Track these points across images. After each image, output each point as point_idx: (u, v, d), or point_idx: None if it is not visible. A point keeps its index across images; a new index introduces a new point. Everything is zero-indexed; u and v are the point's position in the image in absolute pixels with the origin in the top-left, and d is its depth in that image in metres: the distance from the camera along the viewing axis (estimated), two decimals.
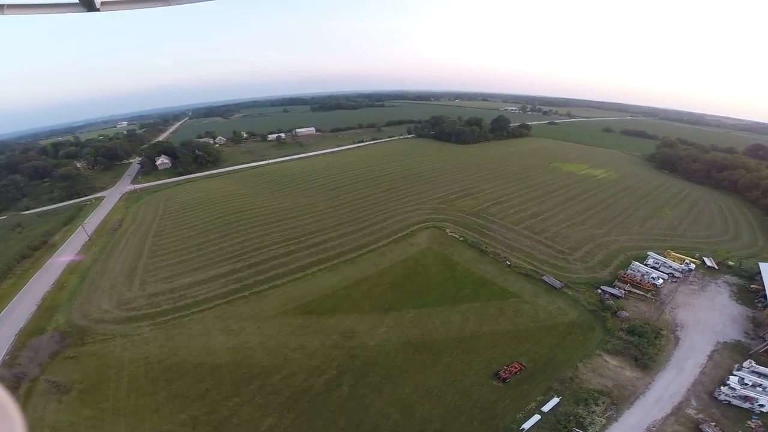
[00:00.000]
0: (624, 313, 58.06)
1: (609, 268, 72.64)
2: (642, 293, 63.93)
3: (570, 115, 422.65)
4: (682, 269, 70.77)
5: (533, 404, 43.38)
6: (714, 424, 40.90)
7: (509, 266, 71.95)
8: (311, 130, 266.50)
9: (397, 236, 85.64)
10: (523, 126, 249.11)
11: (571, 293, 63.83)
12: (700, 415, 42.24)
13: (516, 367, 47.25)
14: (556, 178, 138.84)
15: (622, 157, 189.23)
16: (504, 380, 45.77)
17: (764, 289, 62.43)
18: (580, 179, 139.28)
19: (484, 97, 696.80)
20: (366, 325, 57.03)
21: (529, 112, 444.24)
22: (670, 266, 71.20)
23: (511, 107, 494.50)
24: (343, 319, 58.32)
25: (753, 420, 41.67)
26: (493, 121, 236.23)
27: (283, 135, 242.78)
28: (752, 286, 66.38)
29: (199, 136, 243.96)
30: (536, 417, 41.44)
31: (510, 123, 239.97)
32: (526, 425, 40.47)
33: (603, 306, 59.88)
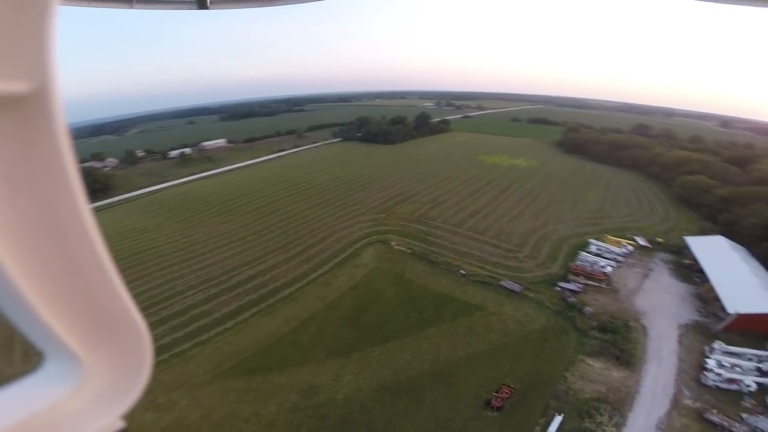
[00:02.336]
0: (588, 309, 55.83)
1: (558, 262, 71.26)
2: (596, 284, 62.83)
3: (480, 108, 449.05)
4: (623, 252, 72.26)
5: (537, 429, 39.11)
6: (716, 411, 39.75)
7: (464, 275, 66.36)
8: (221, 142, 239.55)
9: (339, 258, 74.95)
10: (443, 121, 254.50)
11: (532, 296, 60.19)
12: (698, 404, 41.00)
13: (506, 392, 42.57)
14: (484, 171, 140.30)
15: (535, 145, 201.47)
16: (498, 409, 41.00)
17: (697, 264, 65.68)
18: (506, 170, 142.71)
19: (402, 95, 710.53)
20: (327, 375, 46.59)
21: (444, 107, 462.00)
22: (612, 251, 72.27)
23: (428, 103, 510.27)
24: (297, 374, 47.00)
25: (745, 400, 41.45)
26: (416, 119, 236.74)
27: (188, 150, 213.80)
28: (685, 261, 69.79)
29: (84, 160, 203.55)
30: None
31: (431, 119, 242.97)
32: None
33: (567, 305, 57.13)
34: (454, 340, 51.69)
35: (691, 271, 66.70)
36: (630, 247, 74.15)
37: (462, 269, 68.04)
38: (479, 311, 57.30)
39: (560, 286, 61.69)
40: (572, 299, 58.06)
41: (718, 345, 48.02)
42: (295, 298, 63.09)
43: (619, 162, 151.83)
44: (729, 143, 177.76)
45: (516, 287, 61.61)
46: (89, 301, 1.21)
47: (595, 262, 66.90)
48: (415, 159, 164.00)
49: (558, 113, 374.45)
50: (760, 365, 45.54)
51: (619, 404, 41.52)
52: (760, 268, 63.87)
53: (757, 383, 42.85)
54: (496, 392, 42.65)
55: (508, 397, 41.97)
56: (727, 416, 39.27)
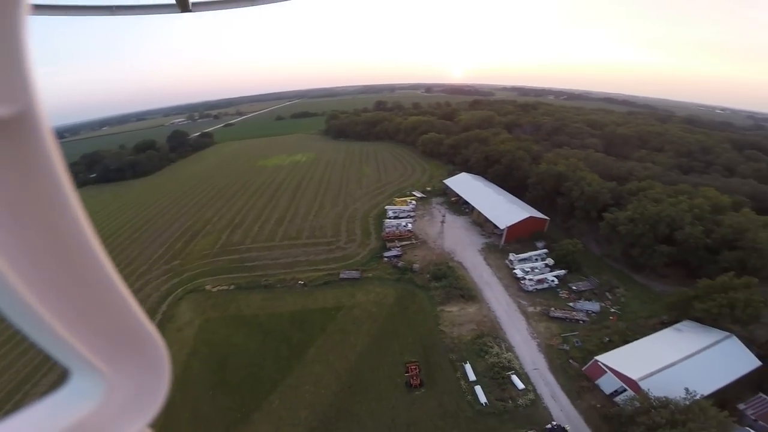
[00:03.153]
0: (416, 266, 62.87)
1: (372, 235, 76.96)
2: (408, 242, 71.49)
3: (240, 113, 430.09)
4: (411, 208, 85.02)
5: (462, 383, 42.21)
6: (553, 308, 52.49)
7: (304, 285, 62.30)
8: None
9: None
10: (205, 135, 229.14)
11: (371, 275, 62.93)
12: (539, 308, 53.13)
13: (414, 368, 43.71)
14: (269, 176, 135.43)
15: (307, 138, 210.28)
16: (420, 384, 42.10)
17: (461, 198, 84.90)
18: (290, 169, 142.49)
19: (139, 117, 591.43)
20: None
21: (200, 120, 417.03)
22: (404, 210, 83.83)
23: (178, 119, 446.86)
24: None
25: (559, 292, 56.54)
26: (169, 139, 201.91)
27: None
28: (452, 199, 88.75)
29: None
30: (480, 392, 41.01)
31: (189, 135, 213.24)
32: (482, 398, 40.21)
33: (400, 270, 62.66)
34: (339, 349, 48.82)
35: (459, 205, 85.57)
36: (413, 202, 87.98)
37: (299, 280, 63.60)
38: (340, 311, 55.64)
39: (386, 257, 66.78)
40: (401, 263, 64.14)
41: (512, 257, 63.44)
42: None
43: (375, 136, 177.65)
44: (436, 104, 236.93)
45: (355, 274, 62.70)
46: (104, 315, 1.25)
47: (398, 224, 75.78)
48: (186, 184, 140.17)
49: (315, 104, 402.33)
50: (545, 261, 62.90)
51: (494, 332, 49.14)
52: (498, 188, 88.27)
53: (555, 276, 58.56)
54: (407, 373, 43.45)
55: (419, 371, 43.45)
56: (562, 308, 52.52)
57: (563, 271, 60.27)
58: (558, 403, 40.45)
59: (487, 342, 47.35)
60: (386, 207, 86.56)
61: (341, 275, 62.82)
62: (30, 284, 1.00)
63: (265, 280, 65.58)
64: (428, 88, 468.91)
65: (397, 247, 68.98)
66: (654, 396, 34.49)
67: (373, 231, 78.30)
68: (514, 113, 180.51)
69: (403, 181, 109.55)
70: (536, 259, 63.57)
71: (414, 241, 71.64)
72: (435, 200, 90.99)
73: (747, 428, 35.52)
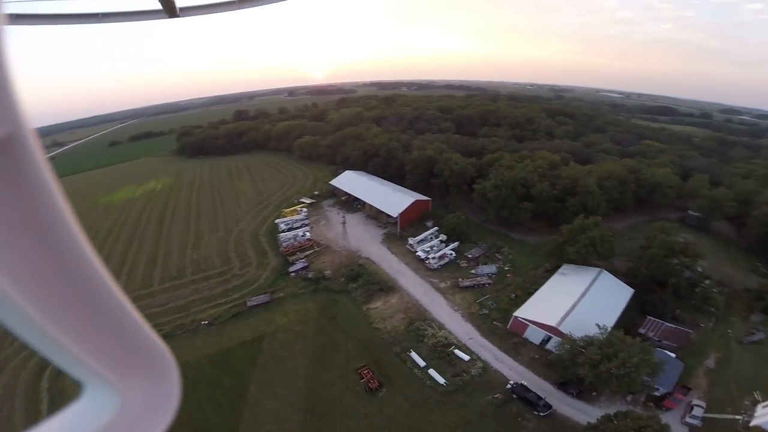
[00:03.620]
0: (327, 273, 60.98)
1: (270, 254, 71.12)
2: (312, 251, 68.46)
3: (58, 144, 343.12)
4: (304, 216, 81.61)
5: (416, 371, 43.73)
6: (460, 279, 57.60)
7: (210, 323, 53.89)
8: None
9: None
10: None
11: (283, 294, 58.39)
12: (449, 281, 57.93)
13: (367, 372, 42.95)
14: (122, 212, 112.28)
15: (157, 162, 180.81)
16: (379, 386, 41.71)
17: (351, 196, 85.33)
18: (146, 200, 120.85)
19: None
20: None
21: None
22: (296, 220, 79.90)
23: None
24: None
25: (459, 264, 61.71)
26: None
27: None
28: (343, 198, 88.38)
29: None
30: (436, 374, 42.67)
31: None
32: (440, 380, 42.09)
33: (313, 281, 59.88)
34: (281, 378, 44.65)
35: (350, 203, 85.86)
36: (304, 210, 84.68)
37: (202, 320, 54.56)
38: (263, 340, 50.20)
39: (292, 272, 62.61)
40: (311, 274, 61.15)
41: (411, 240, 66.60)
42: None
43: (243, 148, 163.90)
44: (303, 107, 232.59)
45: (264, 298, 57.19)
46: (110, 327, 1.27)
47: (295, 236, 71.80)
48: None
49: (158, 123, 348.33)
50: (439, 238, 67.72)
51: (421, 315, 51.09)
52: (381, 180, 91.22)
53: (452, 250, 64.02)
54: (362, 379, 42.28)
55: (373, 373, 42.67)
56: (468, 277, 57.54)
57: (456, 243, 66.55)
58: (504, 364, 44.70)
59: (419, 326, 49.31)
60: (276, 221, 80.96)
61: (248, 303, 56.50)
62: (33, 300, 1.01)
63: (160, 330, 54.15)
64: (291, 92, 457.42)
65: (302, 259, 65.42)
66: (577, 337, 40.62)
67: (269, 249, 72.41)
68: (378, 107, 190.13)
69: (286, 191, 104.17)
70: (431, 238, 68.71)
71: (317, 249, 69.03)
72: (326, 203, 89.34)
73: (669, 353, 44.09)
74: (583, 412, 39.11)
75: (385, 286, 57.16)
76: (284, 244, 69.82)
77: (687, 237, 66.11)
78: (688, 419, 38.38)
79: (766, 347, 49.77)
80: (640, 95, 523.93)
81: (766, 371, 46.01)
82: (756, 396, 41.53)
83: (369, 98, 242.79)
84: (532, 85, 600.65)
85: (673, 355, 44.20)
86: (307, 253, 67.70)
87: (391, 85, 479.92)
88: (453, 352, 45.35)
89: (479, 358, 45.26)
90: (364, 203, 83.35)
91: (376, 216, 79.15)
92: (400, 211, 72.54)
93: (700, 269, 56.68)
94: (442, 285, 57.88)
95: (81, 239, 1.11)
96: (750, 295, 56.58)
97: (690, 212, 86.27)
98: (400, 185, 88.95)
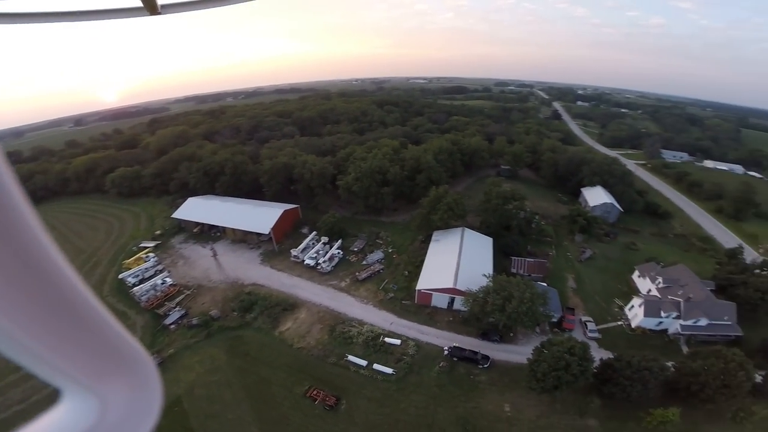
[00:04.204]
0: (214, 312, 53.26)
1: (130, 314, 56.04)
2: (182, 296, 57.84)
3: None
4: (155, 262, 67.85)
5: (362, 371, 44.02)
6: (356, 273, 59.47)
7: None
8: None
9: None
10: None
11: (172, 351, 48.25)
12: (348, 279, 59.09)
13: (317, 391, 41.17)
14: None
15: None
16: (336, 402, 40.09)
17: (206, 225, 75.07)
18: None
19: None
20: None
21: None
22: (146, 268, 65.87)
23: None
24: None
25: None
26: None
27: None
28: (195, 230, 76.70)
29: None
30: (381, 367, 43.74)
31: None
32: (387, 371, 43.18)
33: (202, 326, 51.42)
34: None
35: (207, 233, 75.58)
36: (152, 255, 70.38)
37: None
38: (181, 403, 41.45)
39: (170, 324, 51.85)
40: (194, 320, 52.10)
41: (294, 252, 63.55)
42: None
43: (28, 199, 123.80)
44: (102, 136, 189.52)
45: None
46: (84, 332, 1.22)
47: (154, 285, 59.16)
48: None
49: None
50: (321, 241, 66.82)
51: (338, 319, 50.89)
52: (235, 198, 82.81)
53: (338, 249, 64.53)
54: (316, 401, 40.07)
55: (323, 391, 40.65)
56: (362, 269, 59.36)
57: (339, 240, 66.92)
58: (429, 335, 47.60)
59: (342, 330, 48.53)
60: (120, 276, 64.86)
61: None
62: (2, 306, 0.97)
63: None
64: (78, 121, 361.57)
65: (174, 308, 54.61)
66: (474, 290, 45.63)
67: (127, 308, 57.47)
68: (205, 122, 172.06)
69: (116, 239, 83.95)
70: (313, 244, 67.05)
71: (187, 292, 58.57)
72: (175, 241, 75.95)
73: (542, 284, 52.47)
74: (513, 353, 45.54)
75: (287, 305, 53.57)
76: (144, 298, 56.72)
77: (509, 185, 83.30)
78: (590, 334, 48.30)
79: (597, 260, 67.55)
80: (439, 79, 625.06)
81: (608, 279, 62.43)
82: (617, 302, 56.13)
83: (190, 114, 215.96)
84: (356, 80, 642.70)
85: (544, 284, 54.23)
86: (178, 299, 56.97)
87: (213, 97, 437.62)
88: (384, 342, 46.35)
89: (408, 337, 47.45)
90: (224, 229, 74.74)
91: (243, 239, 72.14)
92: (271, 226, 67.87)
93: (528, 209, 72.54)
94: (343, 284, 57.85)
95: (49, 243, 1.08)
96: (567, 220, 75.97)
97: (502, 167, 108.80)
98: (259, 200, 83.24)
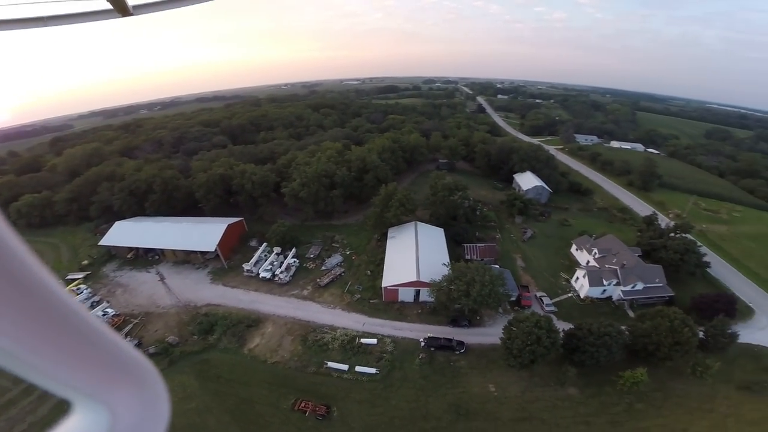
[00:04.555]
0: (172, 338, 49.66)
1: None
2: (130, 326, 52.36)
3: None
4: (88, 294, 60.12)
5: (346, 376, 43.99)
6: (318, 279, 58.77)
7: None
8: None
9: None
10: None
11: None
12: (309, 287, 58.02)
13: (304, 403, 40.17)
14: None
15: None
16: (327, 411, 39.38)
17: (138, 250, 68.33)
18: None
19: None
20: None
21: None
22: (81, 300, 57.85)
23: None
24: None
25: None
26: None
27: None
28: (129, 255, 69.34)
29: None
30: (364, 368, 44.37)
31: None
32: (371, 371, 43.81)
33: (161, 354, 47.38)
34: None
35: (143, 257, 68.94)
36: (83, 287, 62.27)
37: None
38: None
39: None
40: (151, 349, 47.88)
41: (247, 266, 61.28)
42: None
43: None
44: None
45: None
46: (87, 344, 1.24)
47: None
48: None
49: None
50: (274, 252, 64.96)
51: (308, 327, 49.61)
52: (169, 217, 76.31)
53: (293, 258, 63.26)
54: (306, 413, 39.22)
55: (310, 402, 40.06)
56: (323, 275, 58.63)
57: (293, 249, 65.06)
58: (403, 330, 48.42)
59: (315, 338, 47.68)
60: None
61: None
62: (3, 327, 0.98)
63: None
64: None
65: (125, 339, 48.96)
66: (437, 279, 47.29)
67: None
68: (120, 137, 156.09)
69: None
70: (266, 256, 64.41)
71: (135, 321, 52.99)
72: (107, 270, 67.89)
73: (495, 266, 55.04)
74: (484, 335, 47.96)
75: (250, 321, 51.05)
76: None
77: (450, 178, 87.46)
78: (546, 309, 52.09)
79: (538, 238, 73.15)
80: (371, 79, 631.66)
81: (551, 255, 67.73)
82: (563, 276, 61.03)
83: (100, 130, 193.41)
84: (286, 84, 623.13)
85: (497, 266, 57.60)
86: (126, 329, 51.47)
87: (124, 110, 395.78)
88: (361, 343, 46.21)
89: (383, 335, 47.75)
90: (162, 251, 68.72)
91: (186, 259, 66.93)
92: (217, 243, 63.73)
93: (472, 198, 76.81)
94: (305, 292, 56.39)
95: (34, 260, 1.09)
96: (506, 204, 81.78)
97: (440, 161, 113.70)
98: (197, 216, 77.97)
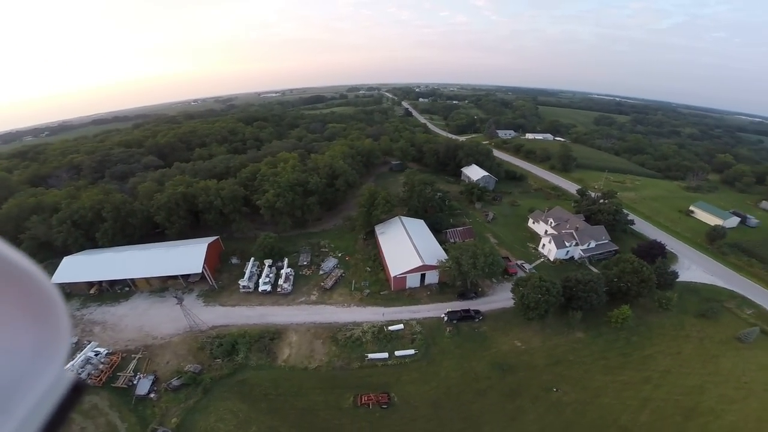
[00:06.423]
0: (193, 367, 46.64)
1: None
2: (134, 360, 47.10)
3: None
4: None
5: (390, 362, 46.47)
6: (322, 283, 55.84)
7: None
8: None
9: None
10: None
11: (174, 419, 40.09)
12: (316, 292, 56.67)
13: (365, 397, 41.22)
14: None
15: None
16: (388, 401, 40.92)
17: (101, 284, 61.66)
18: None
19: None
20: None
21: None
22: None
23: None
24: None
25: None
26: None
27: None
28: (91, 291, 62.06)
29: None
30: (404, 352, 46.94)
31: None
32: (410, 352, 46.94)
33: (189, 384, 44.47)
34: None
35: (112, 290, 62.48)
36: None
37: None
38: None
39: (150, 394, 42.83)
40: (175, 381, 44.23)
41: (243, 283, 59.71)
42: None
43: None
44: None
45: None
46: None
47: (86, 360, 46.63)
48: None
49: None
50: (266, 264, 64.10)
51: (332, 329, 50.58)
52: (134, 246, 70.00)
53: (288, 268, 62.78)
54: (370, 405, 40.47)
55: (372, 395, 41.23)
56: (326, 278, 59.41)
57: (285, 259, 64.91)
58: (421, 312, 52.59)
59: (344, 336, 49.32)
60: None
61: None
62: None
63: None
64: None
65: (135, 376, 45.56)
66: (444, 260, 52.46)
67: None
68: (21, 166, 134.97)
69: None
70: (257, 270, 63.30)
71: (138, 356, 48.32)
72: (70, 308, 57.53)
73: None
74: (491, 303, 54.02)
75: (272, 335, 50.20)
76: (85, 375, 44.49)
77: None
78: (529, 272, 59.29)
79: (498, 219, 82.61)
80: (292, 90, 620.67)
81: (514, 230, 77.35)
82: (530, 245, 69.81)
83: None
84: (195, 100, 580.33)
85: None
86: (131, 366, 46.78)
87: (1, 138, 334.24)
88: (390, 330, 48.66)
89: (406, 320, 50.77)
90: (133, 281, 63.14)
91: (164, 286, 62.53)
92: (201, 264, 60.72)
93: (442, 190, 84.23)
94: (313, 297, 56.78)
95: None
96: (465, 194, 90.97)
97: (393, 162, 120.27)
98: (167, 239, 72.96)
